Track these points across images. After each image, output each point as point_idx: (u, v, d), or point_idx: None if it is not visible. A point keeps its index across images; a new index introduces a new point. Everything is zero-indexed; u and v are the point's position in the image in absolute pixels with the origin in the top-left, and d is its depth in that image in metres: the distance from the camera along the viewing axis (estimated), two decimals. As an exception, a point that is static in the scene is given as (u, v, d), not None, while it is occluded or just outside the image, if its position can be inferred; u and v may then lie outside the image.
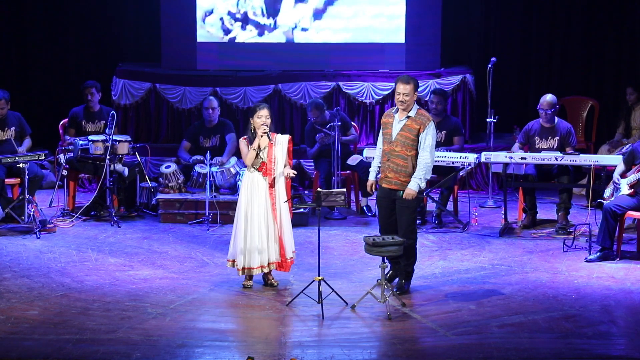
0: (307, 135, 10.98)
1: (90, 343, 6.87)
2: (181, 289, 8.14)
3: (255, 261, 8.01)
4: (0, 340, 6.90)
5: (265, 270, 8.10)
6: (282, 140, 8.09)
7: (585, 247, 9.11)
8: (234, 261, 8.11)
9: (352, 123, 11.24)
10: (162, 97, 12.26)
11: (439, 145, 10.50)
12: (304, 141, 11.20)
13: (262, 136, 7.96)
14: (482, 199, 11.40)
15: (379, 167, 8.21)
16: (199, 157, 10.70)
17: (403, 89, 7.86)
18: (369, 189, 8.34)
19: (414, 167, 7.91)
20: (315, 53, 12.46)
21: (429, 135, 7.89)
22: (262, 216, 8.00)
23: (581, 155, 9.91)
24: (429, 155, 7.89)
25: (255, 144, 7.97)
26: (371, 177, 8.31)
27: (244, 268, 8.04)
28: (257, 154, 8.00)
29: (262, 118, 7.98)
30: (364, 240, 7.72)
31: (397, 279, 8.18)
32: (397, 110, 8.00)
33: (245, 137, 8.10)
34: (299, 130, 12.21)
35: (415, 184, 7.88)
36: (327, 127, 10.61)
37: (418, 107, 8.02)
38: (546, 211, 10.78)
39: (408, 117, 7.92)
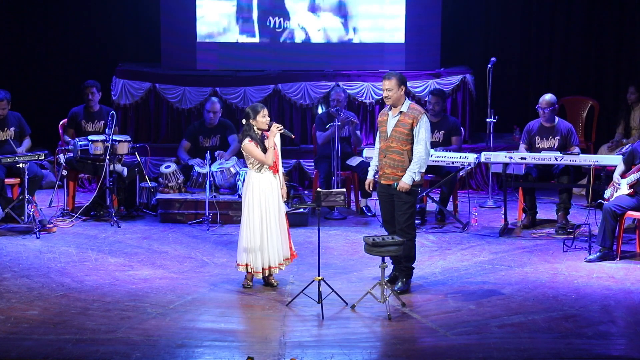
0: (318, 122, 10.93)
1: (90, 343, 6.87)
2: (181, 289, 8.14)
3: (272, 260, 8.02)
4: (0, 340, 6.90)
5: (282, 268, 8.11)
6: (279, 138, 8.14)
7: (585, 247, 9.12)
8: (246, 265, 8.05)
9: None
10: (162, 97, 12.26)
11: (437, 145, 10.52)
12: (316, 127, 11.08)
13: (277, 132, 7.99)
14: (482, 199, 11.40)
15: (377, 165, 8.24)
16: (197, 160, 10.72)
17: (387, 84, 7.96)
18: (367, 187, 8.37)
19: (410, 161, 7.94)
20: (315, 53, 12.46)
21: (422, 129, 7.94)
22: (276, 215, 8.01)
23: (581, 155, 9.92)
24: (423, 148, 7.93)
25: (271, 142, 7.97)
26: (369, 176, 8.35)
27: (264, 269, 8.03)
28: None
29: (266, 117, 8.01)
30: (363, 240, 7.72)
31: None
32: (390, 108, 8.07)
33: (249, 139, 8.04)
34: (298, 130, 12.21)
35: (409, 177, 7.92)
36: (328, 125, 10.62)
37: (410, 102, 8.09)
38: (546, 211, 10.78)
39: (401, 112, 7.98)
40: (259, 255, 7.98)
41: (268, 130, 8.03)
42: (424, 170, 8.05)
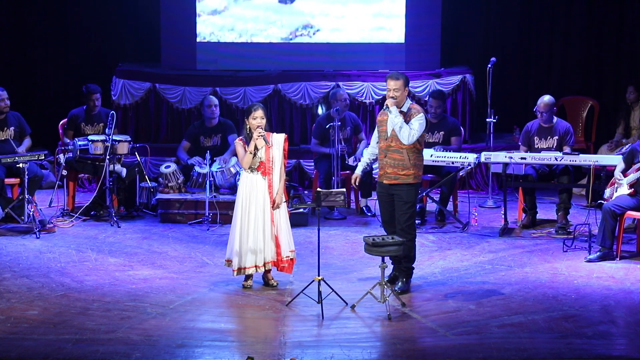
0: (317, 126, 10.93)
1: (90, 343, 6.87)
2: (181, 289, 8.14)
3: (249, 261, 8.01)
4: (0, 340, 6.90)
5: (260, 271, 8.10)
6: (279, 140, 8.10)
7: (585, 247, 9.12)
8: (230, 261, 8.12)
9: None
10: (161, 97, 12.26)
11: (437, 145, 10.52)
12: (313, 132, 11.09)
13: (257, 139, 7.96)
14: (482, 199, 11.40)
15: (367, 163, 8.34)
16: (197, 159, 10.72)
17: (393, 84, 7.92)
18: (352, 181, 8.39)
19: (410, 160, 7.93)
20: (315, 53, 12.46)
21: (416, 122, 7.87)
22: (259, 216, 8.00)
23: (581, 155, 9.92)
24: (409, 128, 7.81)
25: (251, 147, 7.97)
26: (357, 171, 8.39)
27: (239, 269, 8.05)
28: (255, 155, 8.01)
29: (257, 119, 7.97)
30: (363, 240, 7.72)
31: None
32: None
33: (241, 137, 8.10)
34: (298, 130, 12.22)
35: (396, 110, 7.84)
36: (328, 126, 10.63)
37: (411, 102, 8.08)
38: (546, 211, 10.78)
39: (401, 112, 7.96)
40: (236, 254, 8.00)
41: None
42: (402, 133, 7.86)
